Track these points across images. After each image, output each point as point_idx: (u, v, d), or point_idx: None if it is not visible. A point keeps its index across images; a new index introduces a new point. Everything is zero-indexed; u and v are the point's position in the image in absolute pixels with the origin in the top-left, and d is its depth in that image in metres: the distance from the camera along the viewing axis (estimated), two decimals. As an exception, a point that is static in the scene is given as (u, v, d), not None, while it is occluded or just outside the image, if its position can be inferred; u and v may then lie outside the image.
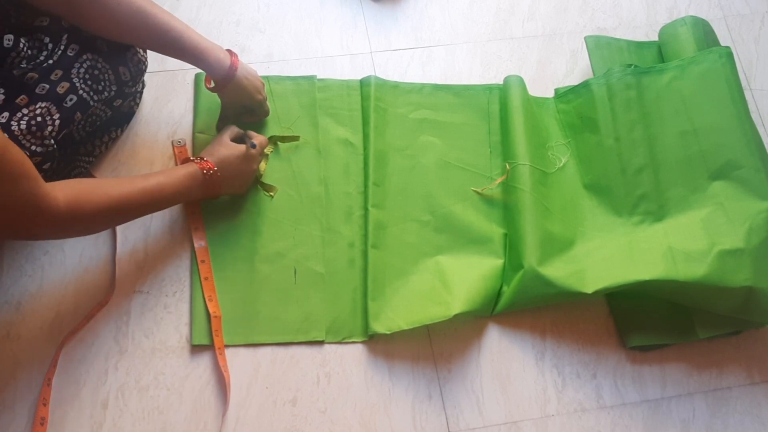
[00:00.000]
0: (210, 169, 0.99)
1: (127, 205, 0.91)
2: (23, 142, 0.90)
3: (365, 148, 1.15)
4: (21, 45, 0.93)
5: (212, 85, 1.06)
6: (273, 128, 1.16)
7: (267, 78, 1.19)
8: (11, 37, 0.92)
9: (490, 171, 1.16)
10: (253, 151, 1.05)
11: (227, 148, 1.03)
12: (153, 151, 1.13)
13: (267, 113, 1.15)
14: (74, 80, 0.95)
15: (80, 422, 0.95)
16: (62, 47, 0.96)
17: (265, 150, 1.12)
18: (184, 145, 1.13)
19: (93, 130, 1.06)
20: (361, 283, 1.06)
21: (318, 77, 1.20)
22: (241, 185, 1.07)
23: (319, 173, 1.13)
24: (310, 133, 1.16)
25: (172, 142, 1.13)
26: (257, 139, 1.08)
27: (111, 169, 1.11)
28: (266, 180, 1.12)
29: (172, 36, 0.98)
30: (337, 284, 1.07)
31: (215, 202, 1.07)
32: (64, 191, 0.82)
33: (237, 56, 1.04)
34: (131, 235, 1.07)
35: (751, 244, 1.02)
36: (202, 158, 1.00)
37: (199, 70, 1.15)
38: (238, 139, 1.07)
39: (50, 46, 0.96)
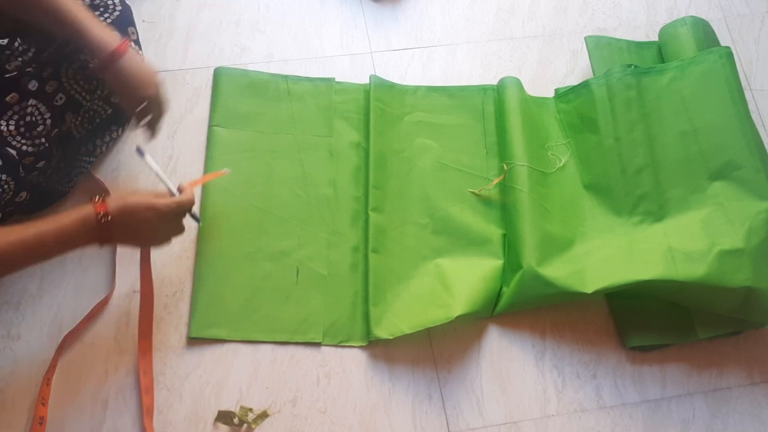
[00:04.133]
0: (105, 214, 0.84)
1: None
2: (13, 142, 0.89)
3: (367, 149, 1.15)
4: (16, 44, 0.93)
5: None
6: (287, 127, 1.16)
7: (285, 77, 1.19)
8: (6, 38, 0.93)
9: (487, 172, 1.16)
10: (172, 204, 0.89)
11: (136, 196, 0.88)
12: (153, 151, 1.13)
13: (161, 111, 1.01)
14: (62, 79, 0.95)
15: (80, 422, 0.95)
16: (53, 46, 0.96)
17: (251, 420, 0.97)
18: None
19: (93, 128, 1.06)
20: (363, 287, 1.06)
21: (336, 80, 1.21)
22: (144, 242, 0.93)
23: (329, 175, 1.13)
24: (324, 135, 1.16)
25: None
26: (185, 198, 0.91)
27: (112, 168, 1.11)
28: (274, 180, 1.12)
29: (56, 6, 0.89)
30: (339, 287, 1.06)
31: (216, 202, 1.06)
32: None
33: (130, 45, 0.94)
34: (131, 235, 1.07)
35: (751, 244, 1.02)
36: (103, 199, 0.86)
37: (219, 65, 1.19)
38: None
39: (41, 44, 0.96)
